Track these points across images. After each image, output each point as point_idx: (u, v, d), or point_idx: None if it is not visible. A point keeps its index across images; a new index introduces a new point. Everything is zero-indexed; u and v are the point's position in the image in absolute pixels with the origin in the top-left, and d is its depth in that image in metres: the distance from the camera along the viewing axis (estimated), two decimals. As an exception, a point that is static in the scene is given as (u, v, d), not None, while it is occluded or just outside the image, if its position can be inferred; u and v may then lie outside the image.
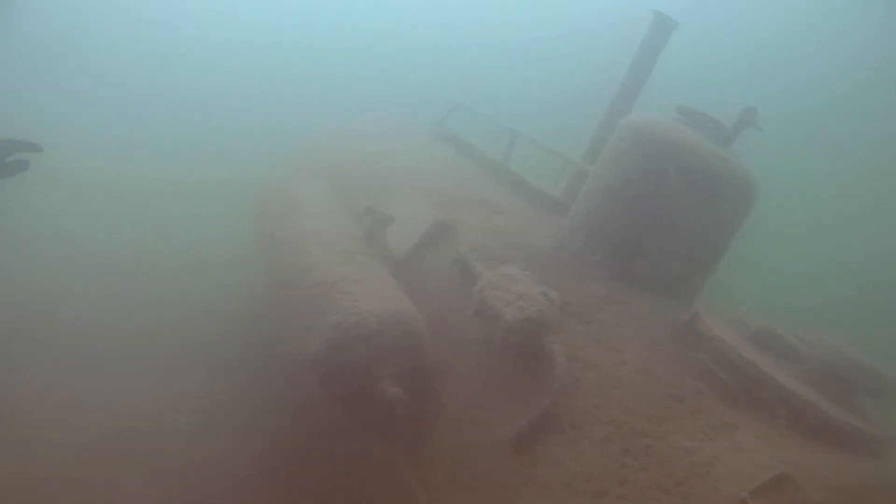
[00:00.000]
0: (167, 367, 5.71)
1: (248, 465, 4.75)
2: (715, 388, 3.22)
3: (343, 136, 6.98)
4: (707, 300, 4.43)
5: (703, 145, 3.90)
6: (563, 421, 3.27)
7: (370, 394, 3.68)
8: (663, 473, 2.85)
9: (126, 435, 4.89)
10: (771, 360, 3.38)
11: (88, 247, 7.52)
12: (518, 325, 3.44)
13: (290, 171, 6.42)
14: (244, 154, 10.93)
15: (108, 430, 4.91)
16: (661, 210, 4.01)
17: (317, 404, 4.21)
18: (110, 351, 5.81)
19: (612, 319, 3.78)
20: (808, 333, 3.84)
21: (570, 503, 2.96)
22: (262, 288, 4.94)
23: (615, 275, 4.11)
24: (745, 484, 2.66)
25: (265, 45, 18.98)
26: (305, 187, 5.57)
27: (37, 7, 14.63)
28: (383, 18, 21.83)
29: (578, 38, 20.17)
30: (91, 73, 14.31)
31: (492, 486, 3.37)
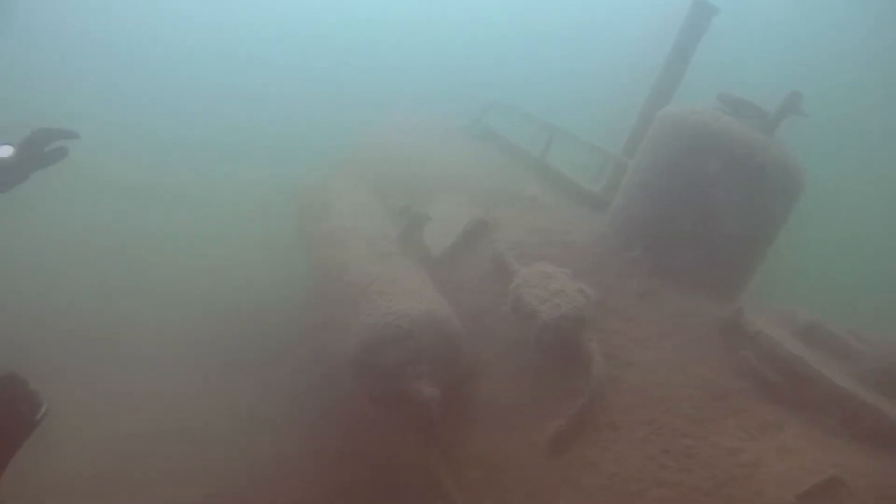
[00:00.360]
0: (209, 365, 5.84)
1: (285, 463, 4.81)
2: (760, 387, 3.07)
3: (384, 134, 7.00)
4: (754, 295, 4.25)
5: (746, 134, 3.73)
6: (600, 421, 3.18)
7: (406, 394, 3.67)
8: (704, 475, 2.73)
9: (168, 432, 5.03)
10: (821, 358, 3.21)
11: (136, 246, 7.77)
12: (554, 322, 3.37)
13: (330, 168, 6.47)
14: (288, 152, 11.06)
15: (152, 426, 5.06)
16: (702, 203, 3.85)
17: (355, 403, 4.24)
18: (157, 348, 5.99)
19: (651, 317, 3.66)
20: (864, 332, 3.65)
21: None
22: (302, 286, 4.99)
23: (655, 271, 3.98)
24: (791, 487, 2.53)
25: (299, 42, 19.08)
26: (344, 186, 5.61)
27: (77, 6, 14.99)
28: (418, 11, 21.61)
29: (616, 26, 19.60)
30: (134, 72, 14.62)
31: (527, 487, 3.30)
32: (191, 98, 14.57)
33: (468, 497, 3.60)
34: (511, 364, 3.85)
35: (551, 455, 3.23)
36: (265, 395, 5.50)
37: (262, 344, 6.07)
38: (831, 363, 3.18)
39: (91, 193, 8.73)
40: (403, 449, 4.09)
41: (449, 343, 3.84)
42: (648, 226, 4.08)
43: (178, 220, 8.75)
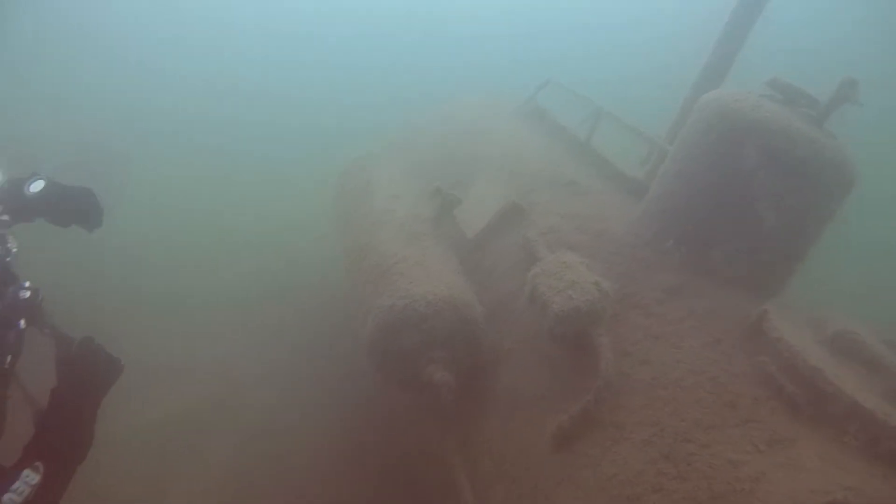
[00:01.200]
0: (263, 342, 6.09)
1: (320, 438, 4.97)
2: (776, 397, 2.86)
3: (435, 116, 6.94)
4: (796, 295, 3.96)
5: (790, 124, 3.43)
6: (604, 419, 3.08)
7: (419, 377, 3.68)
8: (701, 485, 2.60)
9: (222, 401, 5.30)
10: (850, 371, 2.95)
11: (195, 228, 8.14)
12: (565, 314, 3.26)
13: (376, 150, 6.49)
14: (345, 134, 11.20)
15: (209, 395, 5.35)
16: (739, 196, 3.60)
17: (379, 391, 4.32)
18: (218, 323, 6.29)
19: (675, 313, 3.48)
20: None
21: (605, 507, 2.80)
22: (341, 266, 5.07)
23: (688, 265, 3.77)
24: (792, 506, 2.37)
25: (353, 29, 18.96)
26: (384, 167, 5.61)
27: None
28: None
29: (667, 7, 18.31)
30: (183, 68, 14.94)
31: (531, 481, 3.26)
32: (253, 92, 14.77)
33: (478, 486, 3.60)
34: (530, 353, 3.78)
35: (555, 450, 3.17)
36: (309, 375, 5.67)
37: (312, 324, 6.27)
38: (858, 376, 2.93)
39: (164, 188, 9.20)
40: (423, 433, 4.12)
41: (467, 329, 3.81)
42: (682, 217, 3.86)
43: (236, 202, 9.11)
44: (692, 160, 3.81)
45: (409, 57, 17.34)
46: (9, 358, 2.54)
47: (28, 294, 2.67)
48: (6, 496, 2.37)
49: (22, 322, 2.65)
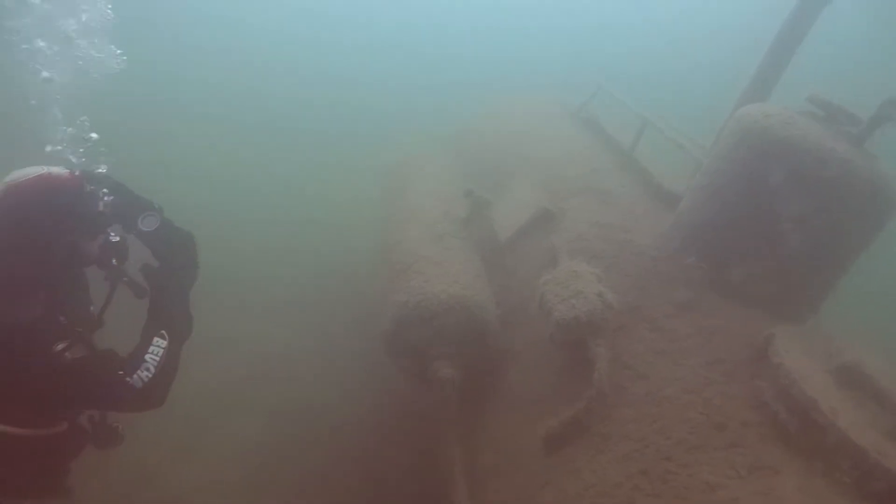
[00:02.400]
0: (310, 321, 6.33)
1: (350, 421, 5.15)
2: (767, 424, 2.72)
3: (484, 115, 6.96)
4: (827, 322, 3.72)
5: (819, 143, 3.23)
6: (593, 429, 3.04)
7: (426, 372, 3.75)
8: (673, 505, 2.53)
9: (261, 374, 5.58)
10: (855, 404, 2.75)
11: (242, 213, 8.50)
12: (565, 322, 3.25)
13: (423, 144, 6.59)
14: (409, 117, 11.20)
15: (249, 367, 5.64)
16: (763, 215, 3.42)
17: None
18: (261, 299, 6.62)
19: (683, 330, 3.37)
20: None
21: (577, 515, 2.77)
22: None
23: (707, 282, 3.64)
24: (759, 537, 2.27)
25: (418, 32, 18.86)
26: (425, 165, 5.70)
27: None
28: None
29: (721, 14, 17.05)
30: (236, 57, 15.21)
31: (521, 480, 3.27)
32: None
33: (475, 482, 3.63)
34: (537, 357, 3.78)
35: (545, 453, 3.17)
36: (343, 355, 5.85)
37: (350, 308, 6.47)
38: (864, 410, 2.73)
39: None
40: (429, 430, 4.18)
41: (477, 328, 3.85)
42: (707, 232, 3.72)
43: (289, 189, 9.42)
44: (719, 175, 3.66)
45: (469, 49, 17.20)
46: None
47: (118, 239, 3.11)
48: (147, 356, 2.81)
49: (114, 260, 3.11)
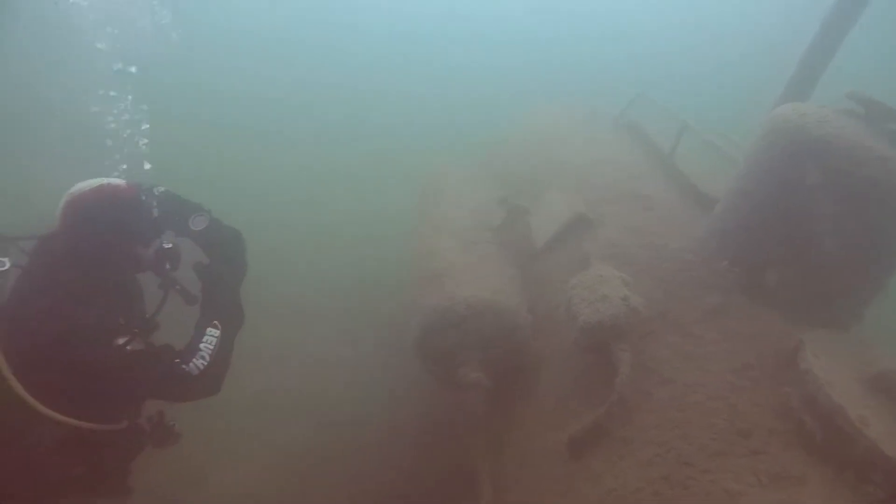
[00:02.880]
0: (337, 329, 6.45)
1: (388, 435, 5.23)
2: (794, 432, 2.61)
3: (522, 125, 6.94)
4: (874, 330, 3.52)
5: (857, 142, 3.08)
6: (616, 434, 2.98)
7: (455, 377, 3.77)
8: (691, 512, 2.46)
9: (299, 382, 5.73)
10: (888, 414, 2.59)
11: (295, 225, 8.70)
12: (589, 327, 3.21)
13: (461, 154, 6.64)
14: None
15: (287, 376, 5.80)
16: (798, 217, 3.29)
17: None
18: (317, 307, 6.78)
19: (712, 335, 3.27)
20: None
21: (595, 519, 2.73)
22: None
23: (740, 286, 3.52)
24: (778, 548, 2.18)
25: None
26: (462, 173, 5.74)
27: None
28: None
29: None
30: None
31: (541, 488, 3.24)
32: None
33: (500, 488, 3.63)
34: (565, 362, 3.74)
35: (568, 459, 3.13)
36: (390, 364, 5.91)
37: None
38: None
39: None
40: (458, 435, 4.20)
41: (507, 334, 3.84)
42: (740, 236, 3.61)
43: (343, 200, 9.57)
44: (753, 177, 3.55)
45: (510, 57, 17.05)
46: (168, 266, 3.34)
47: (170, 245, 3.35)
48: (202, 345, 2.97)
49: (168, 265, 3.35)
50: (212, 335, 3.04)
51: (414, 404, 5.42)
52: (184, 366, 2.91)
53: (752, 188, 3.55)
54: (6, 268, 2.95)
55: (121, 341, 2.90)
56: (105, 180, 3.16)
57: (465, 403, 3.73)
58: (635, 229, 4.32)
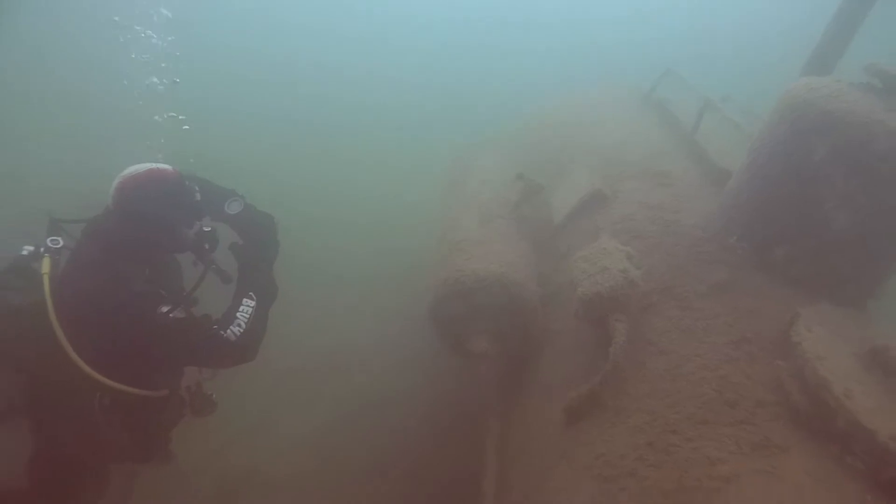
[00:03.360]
0: (360, 317, 6.61)
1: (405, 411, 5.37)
2: (782, 405, 2.60)
3: (557, 105, 6.88)
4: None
5: (871, 115, 2.97)
6: (609, 402, 3.03)
7: (464, 346, 3.87)
8: (672, 476, 2.49)
9: (320, 368, 5.93)
10: (881, 389, 2.54)
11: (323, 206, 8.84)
12: (587, 298, 3.24)
13: (489, 136, 6.64)
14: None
15: (308, 362, 6.00)
16: (807, 193, 3.22)
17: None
18: (320, 296, 6.97)
19: (713, 309, 3.25)
20: None
21: (582, 484, 2.79)
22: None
23: (748, 262, 3.47)
24: (751, 514, 2.20)
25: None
26: (489, 153, 5.76)
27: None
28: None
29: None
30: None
31: (540, 457, 3.31)
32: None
33: (507, 460, 3.72)
34: (570, 335, 3.78)
35: (565, 427, 3.19)
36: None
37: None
38: (891, 397, 2.51)
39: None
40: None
41: (514, 306, 3.90)
42: (748, 211, 3.54)
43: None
44: (763, 152, 3.47)
45: (543, 41, 16.64)
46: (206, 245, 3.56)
47: (210, 228, 3.59)
48: (238, 313, 3.18)
49: (206, 245, 3.59)
50: (248, 305, 3.24)
51: (429, 375, 5.54)
52: (221, 332, 3.10)
53: (763, 163, 3.47)
54: (59, 245, 3.24)
55: (165, 309, 3.12)
56: (154, 165, 3.39)
57: (478, 374, 3.81)
58: (651, 205, 4.29)
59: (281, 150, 10.78)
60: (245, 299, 3.27)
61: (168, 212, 3.34)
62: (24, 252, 3.25)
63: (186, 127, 4.48)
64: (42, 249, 3.20)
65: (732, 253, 3.55)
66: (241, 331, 3.14)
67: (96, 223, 3.27)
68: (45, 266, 3.07)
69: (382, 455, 5.03)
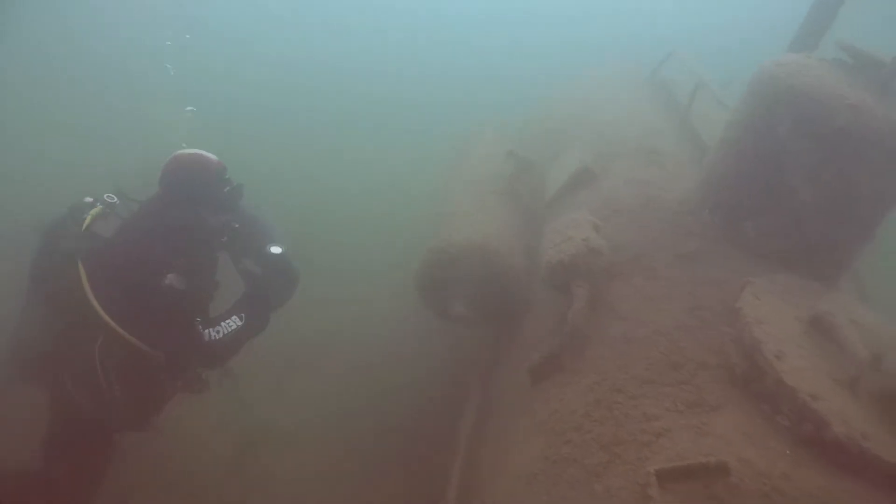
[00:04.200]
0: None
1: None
2: (723, 367, 2.66)
3: (563, 87, 6.88)
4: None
5: (831, 91, 2.97)
6: (568, 364, 3.13)
7: (445, 311, 4.02)
8: (610, 430, 2.60)
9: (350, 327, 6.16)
10: (818, 353, 2.56)
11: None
12: (550, 266, 3.35)
13: (494, 120, 6.69)
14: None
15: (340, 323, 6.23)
16: (775, 168, 3.23)
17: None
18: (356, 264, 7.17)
19: (679, 278, 3.30)
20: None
21: (536, 437, 2.92)
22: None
23: (720, 235, 3.51)
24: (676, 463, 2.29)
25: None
26: (493, 132, 5.84)
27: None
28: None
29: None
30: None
31: (512, 411, 3.44)
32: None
33: (480, 418, 3.87)
34: (546, 303, 3.88)
35: (530, 386, 3.31)
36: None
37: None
38: (826, 360, 2.54)
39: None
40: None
41: (492, 274, 4.02)
42: (720, 186, 3.57)
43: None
44: (735, 127, 3.48)
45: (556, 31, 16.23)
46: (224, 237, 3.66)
47: (237, 225, 3.73)
48: (223, 322, 3.40)
49: (225, 238, 3.71)
50: (235, 322, 3.44)
51: (419, 339, 5.71)
52: (200, 327, 3.30)
53: (734, 138, 3.49)
54: (114, 201, 3.56)
55: (169, 277, 3.32)
56: (201, 152, 3.72)
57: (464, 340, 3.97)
58: (636, 181, 4.32)
59: (293, 147, 10.92)
60: (235, 316, 3.46)
61: (197, 192, 3.60)
62: (86, 200, 3.53)
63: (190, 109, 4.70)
64: (97, 201, 3.50)
65: (706, 226, 3.58)
66: (218, 337, 3.33)
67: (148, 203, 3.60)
68: (89, 218, 3.37)
69: (384, 414, 5.25)
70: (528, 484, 2.72)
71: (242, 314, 3.49)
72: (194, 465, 4.93)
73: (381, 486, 4.47)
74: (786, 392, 2.34)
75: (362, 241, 7.74)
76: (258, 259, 3.70)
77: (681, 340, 2.87)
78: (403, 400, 5.37)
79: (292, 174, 9.37)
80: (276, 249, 3.70)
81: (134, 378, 3.29)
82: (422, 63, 14.80)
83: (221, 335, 3.35)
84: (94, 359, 3.12)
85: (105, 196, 3.55)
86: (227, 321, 3.42)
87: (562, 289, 3.38)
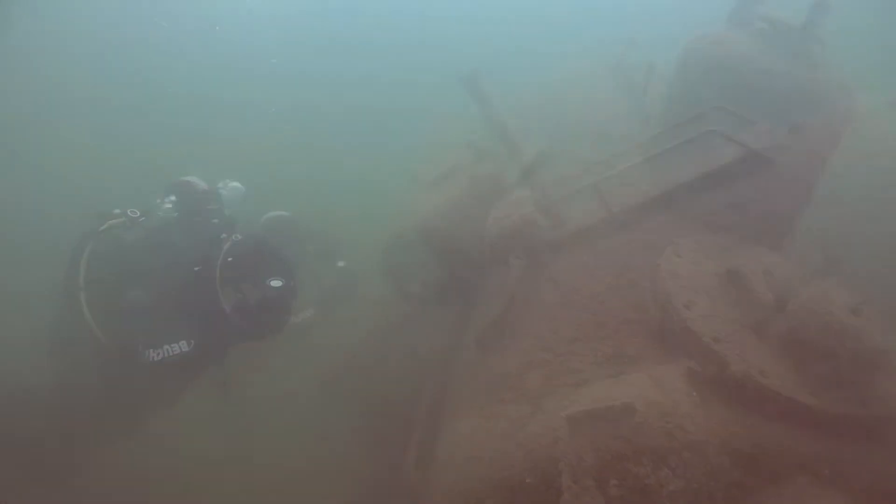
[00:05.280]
0: None
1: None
2: (642, 321, 2.74)
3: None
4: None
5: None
6: (506, 331, 3.23)
7: (403, 291, 4.14)
8: (538, 384, 2.70)
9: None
10: (729, 303, 2.63)
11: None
12: (491, 240, 3.46)
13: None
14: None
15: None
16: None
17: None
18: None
19: (617, 247, 3.39)
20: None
21: (478, 397, 3.02)
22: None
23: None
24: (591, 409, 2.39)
25: None
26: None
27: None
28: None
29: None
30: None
31: (462, 379, 3.54)
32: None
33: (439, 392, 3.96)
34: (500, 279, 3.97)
35: (480, 355, 3.40)
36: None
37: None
38: (736, 309, 2.61)
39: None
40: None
41: (450, 258, 4.13)
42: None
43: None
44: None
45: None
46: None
47: (240, 237, 4.00)
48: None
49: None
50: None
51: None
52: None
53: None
54: (137, 216, 3.78)
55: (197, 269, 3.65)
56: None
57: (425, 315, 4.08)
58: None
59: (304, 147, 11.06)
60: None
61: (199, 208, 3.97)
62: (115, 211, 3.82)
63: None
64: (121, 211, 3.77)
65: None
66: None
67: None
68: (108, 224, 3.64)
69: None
70: (467, 441, 2.82)
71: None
72: (188, 464, 5.08)
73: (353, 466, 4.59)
74: (691, 337, 2.43)
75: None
76: (256, 288, 3.74)
77: (609, 301, 2.96)
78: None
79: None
80: (275, 283, 3.72)
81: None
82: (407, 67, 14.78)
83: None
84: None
85: (128, 211, 3.77)
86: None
87: (504, 262, 3.48)
